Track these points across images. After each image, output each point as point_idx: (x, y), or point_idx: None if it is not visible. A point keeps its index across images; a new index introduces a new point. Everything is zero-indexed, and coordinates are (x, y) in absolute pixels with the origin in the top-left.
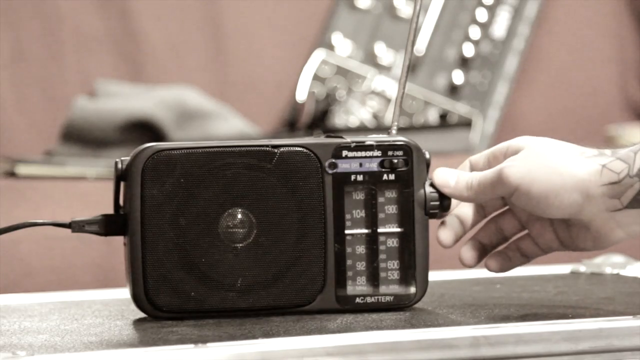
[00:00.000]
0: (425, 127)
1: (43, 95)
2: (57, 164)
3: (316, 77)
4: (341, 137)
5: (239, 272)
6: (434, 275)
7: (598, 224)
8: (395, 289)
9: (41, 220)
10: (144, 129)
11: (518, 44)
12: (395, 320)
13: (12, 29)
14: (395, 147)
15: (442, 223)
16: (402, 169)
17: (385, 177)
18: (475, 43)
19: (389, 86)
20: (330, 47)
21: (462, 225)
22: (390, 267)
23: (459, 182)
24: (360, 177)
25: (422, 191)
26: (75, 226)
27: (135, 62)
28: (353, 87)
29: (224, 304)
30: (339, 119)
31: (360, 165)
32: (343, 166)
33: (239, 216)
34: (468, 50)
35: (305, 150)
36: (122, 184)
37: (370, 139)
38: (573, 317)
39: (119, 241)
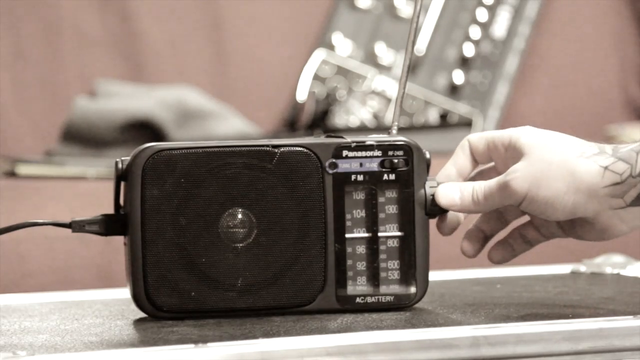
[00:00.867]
0: (425, 127)
1: (43, 95)
2: (57, 164)
3: (316, 77)
4: (341, 137)
5: (239, 272)
6: (434, 275)
7: (602, 220)
8: (396, 288)
9: (41, 220)
10: (144, 129)
11: (518, 44)
12: (395, 320)
13: (12, 29)
14: (395, 147)
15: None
16: (403, 168)
17: (385, 177)
18: (476, 43)
19: (389, 86)
20: (331, 47)
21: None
22: (391, 267)
23: (464, 198)
24: (360, 177)
25: (422, 191)
26: (76, 226)
27: (135, 62)
28: (353, 87)
29: (224, 303)
30: (339, 119)
31: (361, 165)
32: (343, 166)
33: (239, 216)
34: (468, 50)
35: (305, 150)
36: (122, 184)
37: (371, 138)
38: (573, 317)
39: (119, 241)
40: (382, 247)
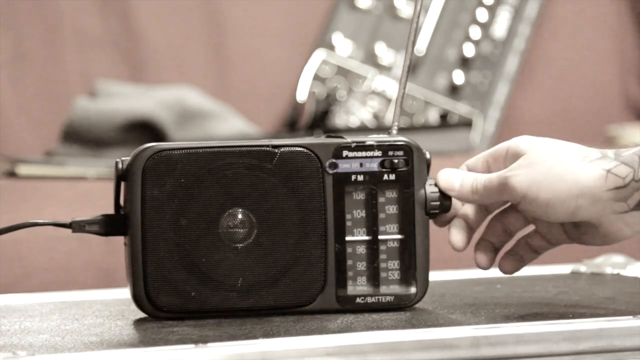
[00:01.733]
0: (425, 127)
1: (43, 95)
2: (58, 164)
3: (316, 77)
4: (341, 137)
5: (240, 272)
6: (434, 276)
7: (606, 224)
8: (396, 289)
9: (42, 221)
10: (144, 129)
11: (518, 44)
12: (395, 320)
13: (12, 29)
14: (395, 147)
15: (450, 227)
16: (403, 169)
17: (385, 177)
18: (476, 43)
19: (390, 86)
20: (331, 47)
21: (469, 226)
22: (391, 267)
23: (464, 185)
24: (360, 177)
25: (422, 191)
26: (76, 226)
27: (136, 62)
28: (353, 87)
29: (224, 304)
30: (340, 119)
31: (361, 165)
32: (343, 166)
33: (240, 216)
34: (468, 51)
35: (305, 151)
36: (122, 184)
37: (371, 139)
38: (573, 317)
39: (119, 241)
40: (382, 248)
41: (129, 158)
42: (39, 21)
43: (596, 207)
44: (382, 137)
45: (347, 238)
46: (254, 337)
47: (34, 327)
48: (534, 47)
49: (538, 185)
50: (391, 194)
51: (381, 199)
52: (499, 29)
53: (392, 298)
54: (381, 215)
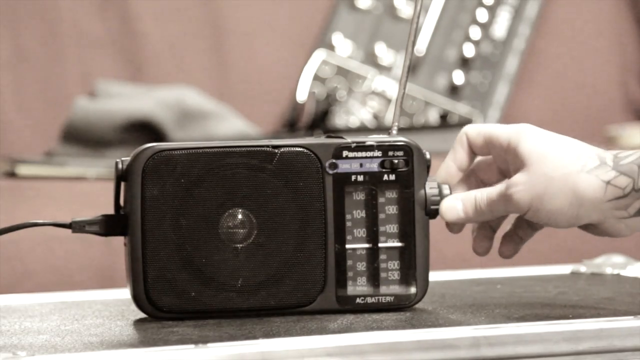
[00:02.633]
0: (425, 128)
1: (43, 95)
2: (57, 164)
3: (316, 78)
4: (341, 138)
5: (240, 272)
6: (434, 276)
7: (606, 225)
8: (396, 289)
9: (42, 221)
10: (144, 129)
11: (518, 44)
12: (395, 320)
13: (12, 29)
14: (395, 147)
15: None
16: (403, 169)
17: (385, 177)
18: (476, 43)
19: (390, 86)
20: (331, 48)
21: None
22: (391, 268)
23: (467, 210)
24: (360, 178)
25: (422, 191)
26: (76, 226)
27: (135, 63)
28: (353, 87)
29: (224, 304)
30: (340, 119)
31: (361, 165)
32: (343, 166)
33: (240, 216)
34: (468, 51)
35: (305, 151)
36: (122, 184)
37: (371, 139)
38: (573, 317)
39: (119, 241)
40: (382, 248)
41: (129, 158)
42: (39, 21)
43: (597, 215)
44: (382, 138)
45: (347, 238)
46: (254, 337)
47: (33, 327)
48: (533, 47)
49: (540, 198)
50: (391, 194)
51: (381, 199)
52: (499, 29)
53: (392, 298)
54: (381, 216)
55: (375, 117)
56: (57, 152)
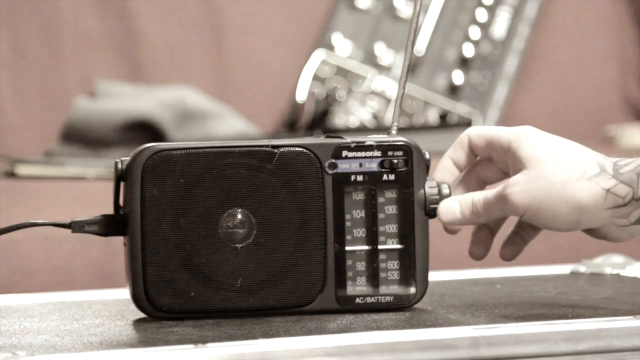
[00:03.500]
0: (425, 128)
1: (43, 95)
2: (57, 164)
3: (316, 77)
4: (341, 138)
5: (239, 272)
6: (433, 276)
7: (606, 231)
8: (395, 289)
9: (41, 221)
10: (144, 129)
11: (518, 44)
12: (395, 320)
13: (12, 29)
14: (395, 147)
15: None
16: (402, 169)
17: (385, 177)
18: (475, 43)
19: (389, 86)
20: (330, 47)
21: (490, 231)
22: (390, 268)
23: (464, 212)
24: (360, 178)
25: (422, 191)
26: (75, 226)
27: (135, 62)
28: (353, 87)
29: (224, 304)
30: (339, 119)
31: (360, 165)
32: (343, 166)
33: (239, 216)
34: (468, 51)
35: (305, 151)
36: (122, 184)
37: (370, 139)
38: (573, 317)
39: (119, 241)
40: (381, 248)
41: (128, 158)
42: (38, 21)
43: (597, 222)
44: (382, 137)
45: (347, 238)
46: (254, 337)
47: (33, 327)
48: (533, 47)
49: (538, 202)
50: (391, 194)
51: (380, 199)
52: (499, 29)
53: (391, 298)
54: (380, 216)
55: (375, 117)
56: (57, 152)
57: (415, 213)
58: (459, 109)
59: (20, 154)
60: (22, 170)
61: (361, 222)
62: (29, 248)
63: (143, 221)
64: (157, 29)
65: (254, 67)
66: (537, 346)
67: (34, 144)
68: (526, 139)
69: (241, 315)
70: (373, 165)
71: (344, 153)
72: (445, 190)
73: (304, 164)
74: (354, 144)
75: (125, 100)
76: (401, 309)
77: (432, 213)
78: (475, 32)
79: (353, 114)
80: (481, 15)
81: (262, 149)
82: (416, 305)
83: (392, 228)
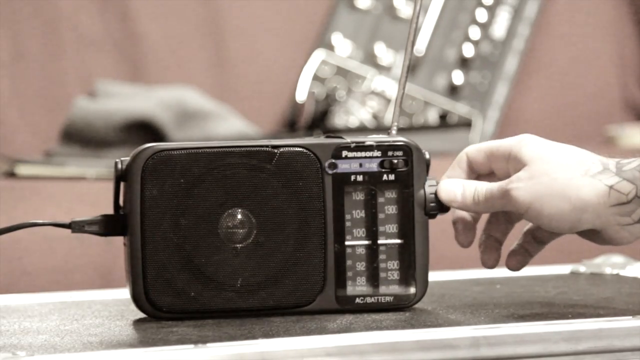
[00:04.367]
0: (425, 128)
1: (43, 95)
2: (57, 164)
3: (316, 78)
4: (341, 138)
5: (239, 272)
6: (433, 276)
7: (609, 232)
8: (395, 289)
9: (41, 221)
10: (144, 129)
11: (518, 44)
12: (395, 320)
13: (12, 29)
14: (395, 147)
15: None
16: (402, 169)
17: (385, 177)
18: (475, 43)
19: (389, 86)
20: (330, 48)
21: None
22: (390, 268)
23: (466, 195)
24: (360, 178)
25: (422, 191)
26: (75, 226)
27: (135, 63)
28: (353, 87)
29: (223, 304)
30: (339, 119)
31: (360, 165)
32: (343, 166)
33: (239, 216)
34: (468, 51)
35: (305, 151)
36: (122, 184)
37: (370, 139)
38: (573, 317)
39: (119, 241)
40: (381, 248)
41: (128, 158)
42: (38, 21)
43: (600, 220)
44: (382, 138)
45: (347, 238)
46: (254, 337)
47: (33, 327)
48: (533, 48)
49: (541, 199)
50: (390, 194)
51: (380, 199)
52: (499, 29)
53: (391, 298)
54: (380, 216)
55: (375, 117)
56: (57, 152)
57: (415, 213)
58: (459, 109)
59: (20, 154)
60: (22, 170)
61: (361, 222)
62: (28, 248)
63: (143, 221)
64: (157, 29)
65: (253, 67)
66: (537, 346)
67: (34, 144)
68: (527, 143)
69: (241, 315)
70: (373, 166)
71: (344, 153)
72: None
73: (304, 164)
74: (354, 144)
75: (125, 100)
76: (401, 309)
77: (432, 213)
78: (475, 32)
79: (353, 114)
80: (481, 15)
81: (262, 149)
82: (416, 305)
83: (392, 228)
